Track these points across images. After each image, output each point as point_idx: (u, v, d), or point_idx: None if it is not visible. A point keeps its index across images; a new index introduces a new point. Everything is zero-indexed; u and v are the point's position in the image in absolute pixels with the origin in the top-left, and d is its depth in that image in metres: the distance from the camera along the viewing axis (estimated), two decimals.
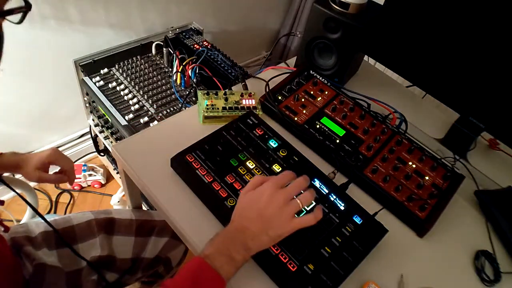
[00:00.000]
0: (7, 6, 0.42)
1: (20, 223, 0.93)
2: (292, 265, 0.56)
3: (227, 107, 0.80)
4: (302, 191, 0.56)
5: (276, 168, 0.68)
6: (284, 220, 0.52)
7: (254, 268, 0.59)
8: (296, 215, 0.54)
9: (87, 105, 1.34)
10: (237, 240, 0.52)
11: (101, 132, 1.34)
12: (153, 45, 1.37)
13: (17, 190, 0.72)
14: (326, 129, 0.79)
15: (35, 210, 0.70)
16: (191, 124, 0.80)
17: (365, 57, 1.07)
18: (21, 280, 0.69)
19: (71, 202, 1.58)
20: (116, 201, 1.46)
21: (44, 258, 0.72)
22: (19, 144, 1.44)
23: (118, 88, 1.24)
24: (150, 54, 1.38)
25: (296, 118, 0.81)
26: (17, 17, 0.44)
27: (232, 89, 0.88)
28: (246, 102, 0.83)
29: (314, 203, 0.63)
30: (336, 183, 0.69)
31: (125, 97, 1.22)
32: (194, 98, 1.22)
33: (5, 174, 0.65)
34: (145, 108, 1.20)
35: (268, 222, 0.52)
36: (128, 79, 1.27)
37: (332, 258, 0.58)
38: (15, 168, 0.80)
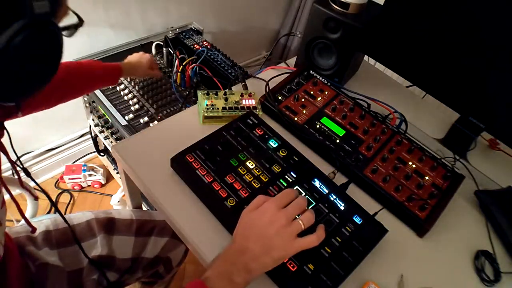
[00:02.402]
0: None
1: (20, 223, 0.93)
2: (292, 265, 0.56)
3: (227, 107, 0.80)
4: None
5: (276, 168, 0.68)
6: (287, 241, 0.51)
7: None
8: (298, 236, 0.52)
9: (87, 105, 1.34)
10: (238, 262, 0.51)
11: (101, 132, 1.34)
12: (153, 45, 1.37)
13: (18, 191, 0.72)
14: (326, 129, 0.79)
15: (55, 207, 0.70)
16: (191, 124, 0.80)
17: (365, 57, 1.07)
18: (26, 279, 0.69)
19: (71, 202, 1.59)
20: (116, 201, 1.46)
21: (46, 257, 0.72)
22: (20, 144, 1.44)
23: (118, 88, 1.24)
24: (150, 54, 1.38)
25: (296, 118, 0.81)
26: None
27: (232, 89, 0.88)
28: (246, 102, 0.83)
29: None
30: (336, 183, 0.69)
31: (125, 97, 1.22)
32: (194, 98, 1.22)
33: (5, 174, 0.67)
34: (145, 108, 1.20)
35: (270, 242, 0.51)
36: (128, 79, 1.27)
37: (332, 258, 0.58)
38: (133, 72, 1.11)
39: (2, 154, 0.58)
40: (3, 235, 0.59)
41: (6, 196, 0.62)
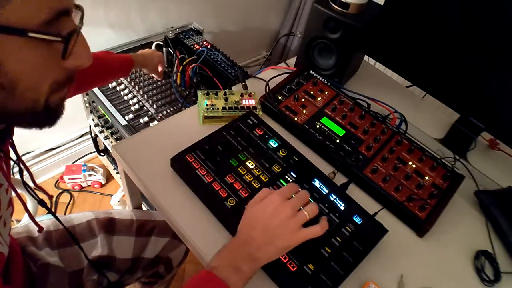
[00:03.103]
0: None
1: (20, 223, 0.93)
2: (292, 265, 0.56)
3: (227, 107, 0.80)
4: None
5: (276, 168, 0.68)
6: (291, 231, 0.52)
7: None
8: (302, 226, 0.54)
9: (87, 105, 1.34)
10: (244, 252, 0.52)
11: (101, 132, 1.34)
12: (153, 45, 1.37)
13: (18, 191, 0.72)
14: (326, 129, 0.79)
15: (50, 211, 0.70)
16: (191, 124, 0.80)
17: (365, 57, 1.07)
18: (28, 280, 0.69)
19: (71, 202, 1.58)
20: (116, 201, 1.46)
21: (47, 258, 0.72)
22: (20, 144, 1.44)
23: (118, 88, 1.24)
24: None
25: (296, 118, 0.81)
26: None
27: (232, 89, 0.88)
28: (246, 102, 0.83)
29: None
30: (336, 183, 0.69)
31: (125, 97, 1.22)
32: (194, 98, 1.22)
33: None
34: (145, 108, 1.20)
35: (275, 233, 0.52)
36: (128, 79, 1.27)
37: (332, 258, 0.58)
38: (143, 64, 1.05)
39: (11, 154, 0.58)
40: (9, 235, 0.59)
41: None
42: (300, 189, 0.58)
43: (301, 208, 0.55)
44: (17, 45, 0.36)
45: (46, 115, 0.45)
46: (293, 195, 0.56)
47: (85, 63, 0.45)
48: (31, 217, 0.68)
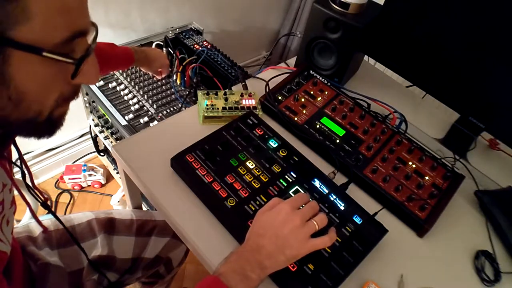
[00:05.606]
0: None
1: (20, 223, 0.93)
2: (292, 265, 0.56)
3: (227, 107, 0.80)
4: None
5: (276, 168, 0.68)
6: (301, 241, 0.53)
7: None
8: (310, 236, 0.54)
9: (87, 105, 1.34)
10: (253, 259, 0.52)
11: (101, 132, 1.34)
12: (153, 45, 1.37)
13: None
14: (326, 129, 0.79)
15: (51, 211, 0.69)
16: (191, 124, 0.80)
17: (365, 57, 1.07)
18: (28, 279, 0.69)
19: (71, 202, 1.58)
20: (116, 201, 1.46)
21: (47, 258, 0.72)
22: (20, 143, 1.44)
23: (118, 88, 1.24)
24: None
25: (296, 118, 0.81)
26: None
27: (232, 89, 0.88)
28: (246, 102, 0.83)
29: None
30: (336, 183, 0.69)
31: (125, 97, 1.22)
32: (194, 98, 1.22)
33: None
34: (145, 108, 1.20)
35: (285, 241, 0.52)
36: (128, 79, 1.27)
37: (332, 258, 0.58)
38: (144, 64, 1.05)
39: (14, 153, 0.58)
40: (11, 234, 0.59)
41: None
42: (310, 199, 0.58)
43: (311, 218, 0.55)
44: (30, 62, 0.37)
45: (47, 127, 0.46)
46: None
47: (93, 81, 0.46)
48: (36, 218, 0.68)
